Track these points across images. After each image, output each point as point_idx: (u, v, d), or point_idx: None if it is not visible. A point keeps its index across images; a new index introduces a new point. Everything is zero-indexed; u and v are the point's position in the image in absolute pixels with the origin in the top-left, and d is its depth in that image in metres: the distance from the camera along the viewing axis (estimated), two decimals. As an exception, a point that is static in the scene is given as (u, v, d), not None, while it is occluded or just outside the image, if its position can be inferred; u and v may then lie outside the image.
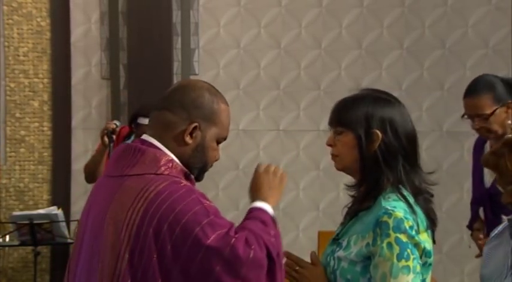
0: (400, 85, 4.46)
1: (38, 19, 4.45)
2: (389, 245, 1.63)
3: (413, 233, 1.64)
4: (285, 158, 4.46)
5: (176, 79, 4.35)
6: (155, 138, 1.70)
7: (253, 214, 1.71)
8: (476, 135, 3.03)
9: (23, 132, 4.45)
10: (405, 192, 1.70)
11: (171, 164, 1.67)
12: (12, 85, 4.43)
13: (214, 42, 4.47)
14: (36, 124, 4.47)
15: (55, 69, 4.45)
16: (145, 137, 1.72)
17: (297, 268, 1.76)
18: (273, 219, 1.73)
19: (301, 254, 4.78)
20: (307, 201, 4.47)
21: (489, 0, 4.40)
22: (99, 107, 4.46)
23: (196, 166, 1.73)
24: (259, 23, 4.47)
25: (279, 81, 4.48)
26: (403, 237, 1.63)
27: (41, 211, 3.86)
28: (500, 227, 1.82)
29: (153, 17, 4.31)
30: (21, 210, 4.28)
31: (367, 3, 4.44)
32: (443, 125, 4.44)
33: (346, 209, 1.81)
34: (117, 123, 3.60)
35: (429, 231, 1.71)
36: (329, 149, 1.87)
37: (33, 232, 3.67)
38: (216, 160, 1.77)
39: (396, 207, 1.67)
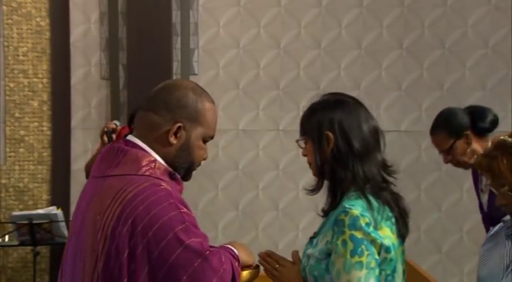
0: (399, 85, 4.46)
1: (38, 19, 4.45)
2: (344, 242, 1.68)
3: (370, 229, 1.68)
4: (284, 158, 4.46)
5: (176, 79, 4.35)
6: (140, 139, 1.70)
7: (224, 248, 1.72)
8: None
9: (22, 132, 4.45)
10: (368, 190, 1.74)
11: (153, 165, 1.66)
12: (11, 85, 4.43)
13: (214, 42, 4.47)
14: (36, 124, 4.47)
15: (54, 69, 4.45)
16: (130, 137, 1.72)
17: (277, 266, 1.81)
18: (238, 261, 1.71)
19: (300, 254, 4.73)
20: (306, 202, 4.47)
21: (489, 0, 4.40)
22: (98, 107, 4.46)
23: (183, 166, 1.72)
24: (258, 23, 4.47)
25: (278, 81, 4.48)
26: (358, 234, 1.67)
27: (41, 211, 3.86)
28: (495, 228, 1.82)
29: (153, 17, 4.31)
30: (20, 210, 4.28)
31: (367, 3, 4.44)
32: (442, 125, 4.44)
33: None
34: (117, 123, 3.60)
35: (394, 225, 1.74)
36: None
37: (33, 232, 3.66)
38: (204, 159, 1.77)
39: (354, 205, 1.72)
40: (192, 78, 4.42)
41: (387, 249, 1.70)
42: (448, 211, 4.38)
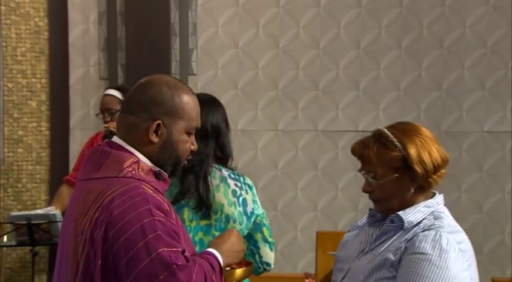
0: (398, 85, 4.46)
1: (36, 19, 4.44)
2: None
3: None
4: (283, 158, 4.46)
5: (174, 79, 4.34)
6: (123, 140, 1.70)
7: (205, 256, 1.68)
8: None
9: (20, 132, 4.44)
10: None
11: (136, 166, 1.65)
12: (10, 85, 4.43)
13: (213, 42, 4.47)
14: (34, 124, 4.46)
15: (53, 69, 4.44)
16: (114, 139, 1.72)
17: None
18: (221, 269, 1.68)
19: (299, 254, 4.80)
20: (305, 201, 4.47)
21: (487, 0, 4.41)
22: (97, 107, 4.46)
23: (168, 162, 1.71)
24: (257, 23, 4.47)
25: (277, 81, 4.48)
26: None
27: (39, 211, 3.85)
28: (364, 218, 1.89)
29: (151, 17, 4.31)
30: (19, 210, 4.27)
31: (365, 3, 4.44)
32: (441, 125, 4.44)
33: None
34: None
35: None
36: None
37: (31, 232, 3.66)
38: (193, 151, 1.75)
39: None
40: (190, 78, 4.42)
41: None
42: (490, 212, 4.39)
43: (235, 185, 2.21)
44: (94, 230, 1.58)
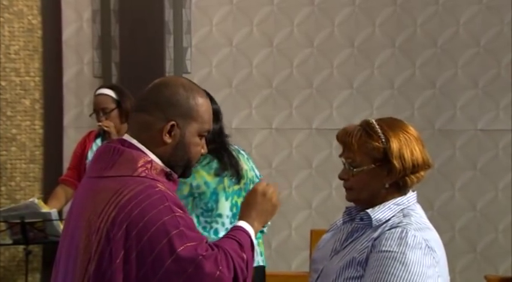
0: (392, 84, 4.47)
1: (29, 17, 4.43)
2: None
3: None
4: (277, 156, 4.46)
5: (168, 77, 4.34)
6: (135, 139, 1.69)
7: (234, 233, 1.69)
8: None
9: (14, 131, 4.43)
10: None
11: (149, 165, 1.65)
12: (3, 83, 4.41)
13: (207, 40, 4.46)
14: (28, 122, 4.45)
15: (46, 67, 4.43)
16: (126, 136, 1.70)
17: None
18: (252, 244, 1.69)
19: (293, 252, 4.80)
20: (299, 200, 4.48)
21: (480, -1, 4.42)
22: (91, 106, 4.44)
23: (179, 164, 1.70)
24: (251, 22, 4.47)
25: (271, 80, 4.48)
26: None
27: (22, 203, 3.82)
28: (341, 218, 1.88)
29: (145, 16, 4.30)
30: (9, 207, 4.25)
31: (359, 1, 4.44)
32: (435, 124, 4.46)
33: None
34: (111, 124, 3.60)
35: (216, 171, 2.68)
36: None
37: (25, 231, 3.65)
38: (202, 154, 1.75)
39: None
40: (185, 76, 4.42)
41: (196, 187, 2.65)
42: (440, 209, 4.40)
43: (246, 154, 2.91)
44: (111, 229, 1.57)
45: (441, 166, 4.42)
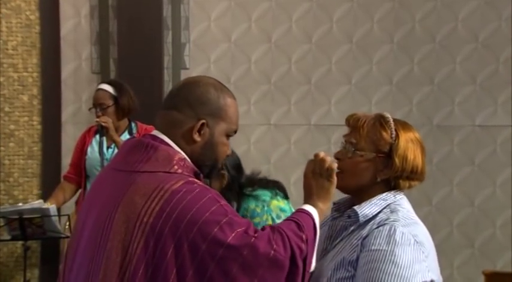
0: (390, 79, 4.47)
1: (27, 13, 4.42)
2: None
3: (261, 211, 2.48)
4: (275, 152, 4.46)
5: (167, 73, 4.34)
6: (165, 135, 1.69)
7: (294, 215, 1.70)
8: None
9: (12, 127, 4.42)
10: (247, 191, 2.54)
11: (183, 163, 1.65)
12: (1, 79, 4.40)
13: (205, 36, 4.46)
14: (26, 118, 4.45)
15: (44, 63, 4.42)
16: (156, 133, 1.70)
17: None
18: (314, 226, 1.68)
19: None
20: (297, 196, 4.47)
21: (479, -5, 4.42)
22: (89, 102, 4.43)
23: (207, 164, 1.70)
24: (249, 17, 4.46)
25: (269, 76, 4.48)
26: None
27: (27, 206, 3.83)
28: (330, 215, 1.87)
29: (144, 11, 4.29)
30: (10, 204, 4.25)
31: (358, -3, 4.44)
32: (433, 119, 4.46)
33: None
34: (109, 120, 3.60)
35: (279, 195, 2.61)
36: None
37: (23, 227, 3.65)
38: (227, 155, 1.75)
39: (248, 205, 2.53)
40: (183, 72, 4.41)
41: (282, 209, 2.59)
42: (438, 205, 4.41)
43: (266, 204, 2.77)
44: (156, 223, 1.57)
45: (439, 162, 4.43)
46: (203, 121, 1.67)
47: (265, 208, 2.52)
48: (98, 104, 3.63)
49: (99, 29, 4.40)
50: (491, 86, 4.44)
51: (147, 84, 4.01)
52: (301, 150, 4.44)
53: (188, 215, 1.57)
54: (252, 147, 4.47)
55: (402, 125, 1.77)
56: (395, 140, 1.73)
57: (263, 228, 1.61)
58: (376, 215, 1.72)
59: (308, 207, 1.72)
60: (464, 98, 4.46)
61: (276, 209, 2.57)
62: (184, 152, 1.67)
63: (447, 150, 4.44)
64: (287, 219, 1.69)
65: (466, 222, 4.39)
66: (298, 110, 4.44)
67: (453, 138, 4.45)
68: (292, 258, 1.60)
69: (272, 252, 1.57)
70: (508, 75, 4.41)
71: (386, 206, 1.74)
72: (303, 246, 1.62)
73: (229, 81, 4.48)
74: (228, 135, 1.73)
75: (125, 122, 3.68)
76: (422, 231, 1.72)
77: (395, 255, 1.63)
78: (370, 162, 1.73)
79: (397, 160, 1.72)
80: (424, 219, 1.82)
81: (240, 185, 2.56)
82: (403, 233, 1.66)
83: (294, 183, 4.49)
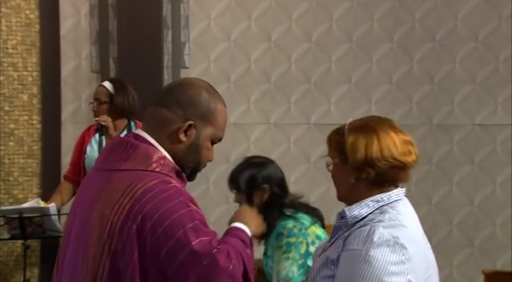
0: (390, 78, 4.47)
1: (27, 11, 4.42)
2: (279, 247, 2.58)
3: (298, 232, 2.57)
4: (275, 151, 4.46)
5: (167, 72, 4.34)
6: (149, 134, 1.69)
7: (234, 232, 1.72)
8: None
9: (12, 126, 4.42)
10: (288, 212, 2.65)
11: (163, 161, 1.65)
12: (1, 78, 4.40)
13: (205, 35, 4.46)
14: (26, 117, 4.44)
15: (44, 62, 4.42)
16: (139, 131, 1.71)
17: None
18: (250, 240, 1.74)
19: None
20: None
21: (479, -6, 4.42)
22: (89, 101, 4.45)
23: (189, 165, 1.71)
24: (249, 16, 4.47)
25: (269, 75, 4.48)
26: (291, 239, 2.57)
27: (27, 204, 3.83)
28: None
29: (143, 10, 4.29)
30: (10, 204, 4.26)
31: (358, -4, 4.44)
32: (433, 118, 4.46)
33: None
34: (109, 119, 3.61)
35: (317, 223, 2.67)
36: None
37: (23, 226, 3.65)
38: (210, 160, 1.76)
39: (287, 223, 2.63)
40: (183, 71, 4.42)
41: (318, 237, 2.60)
42: (438, 204, 4.41)
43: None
44: (125, 221, 1.58)
45: (439, 161, 4.43)
46: (191, 122, 1.68)
47: (303, 231, 2.60)
48: (95, 99, 3.68)
49: (98, 28, 4.40)
50: (491, 85, 4.44)
51: (147, 83, 4.01)
52: (301, 150, 4.44)
53: (155, 216, 1.57)
54: (252, 146, 4.47)
55: (362, 120, 1.78)
56: (344, 137, 1.76)
57: (218, 243, 1.63)
58: (366, 216, 1.72)
59: (242, 226, 1.75)
60: (464, 97, 4.46)
61: (312, 235, 2.62)
62: (167, 151, 1.68)
63: (447, 149, 4.44)
64: (231, 236, 1.71)
65: (466, 221, 4.40)
66: (298, 109, 4.44)
67: (453, 137, 4.45)
68: (244, 274, 1.65)
69: (231, 266, 1.60)
70: (508, 74, 4.41)
71: (379, 207, 1.73)
72: (252, 261, 1.67)
73: (229, 80, 4.48)
74: (212, 142, 1.73)
75: (123, 121, 3.69)
76: (407, 234, 1.68)
77: (369, 255, 1.62)
78: (340, 167, 1.76)
79: (348, 154, 1.73)
80: (423, 219, 1.81)
81: (281, 204, 2.66)
82: (382, 234, 1.65)
83: (294, 182, 4.49)
